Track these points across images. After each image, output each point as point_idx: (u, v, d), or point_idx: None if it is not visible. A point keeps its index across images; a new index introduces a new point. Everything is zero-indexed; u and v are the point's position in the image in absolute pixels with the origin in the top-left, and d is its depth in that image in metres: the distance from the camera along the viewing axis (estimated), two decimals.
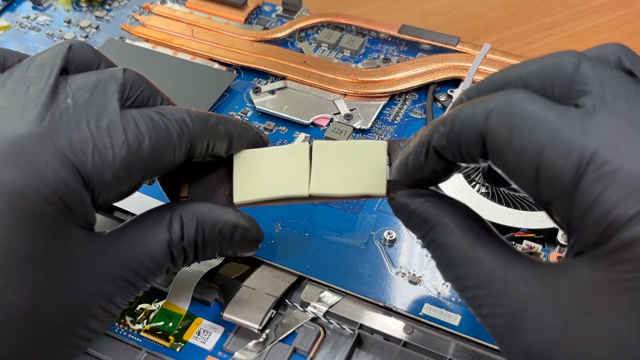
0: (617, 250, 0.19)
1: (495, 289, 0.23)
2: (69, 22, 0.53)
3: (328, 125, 0.44)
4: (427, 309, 0.33)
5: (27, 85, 0.26)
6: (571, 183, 0.20)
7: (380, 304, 0.34)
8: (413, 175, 0.26)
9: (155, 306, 0.34)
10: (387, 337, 0.33)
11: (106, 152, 0.25)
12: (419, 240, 0.27)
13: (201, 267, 0.35)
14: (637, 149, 0.20)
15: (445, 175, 0.26)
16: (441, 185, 0.39)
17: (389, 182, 0.29)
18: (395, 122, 0.44)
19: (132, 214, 0.38)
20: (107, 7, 0.55)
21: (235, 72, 0.48)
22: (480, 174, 0.40)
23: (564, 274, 0.21)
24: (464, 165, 0.25)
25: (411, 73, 0.46)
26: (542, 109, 0.21)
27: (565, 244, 0.36)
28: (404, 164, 0.26)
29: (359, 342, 0.33)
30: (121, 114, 0.26)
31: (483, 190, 0.38)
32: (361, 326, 0.33)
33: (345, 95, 0.46)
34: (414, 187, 0.27)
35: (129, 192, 0.27)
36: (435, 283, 0.35)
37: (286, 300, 0.34)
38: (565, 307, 0.20)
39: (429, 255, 0.28)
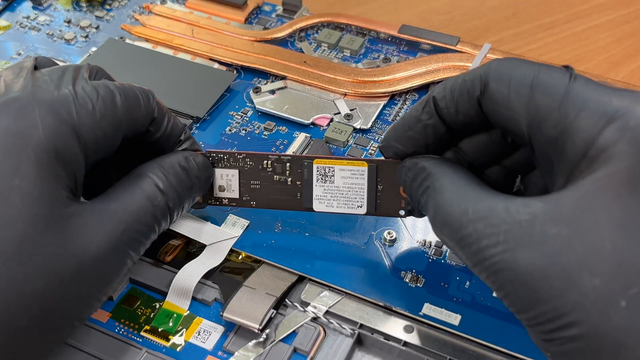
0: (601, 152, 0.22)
1: (496, 218, 0.23)
2: (69, 22, 0.53)
3: (328, 125, 0.44)
4: (427, 309, 0.33)
5: (4, 78, 0.29)
6: (562, 95, 0.24)
7: (381, 304, 0.34)
8: (406, 131, 0.29)
9: (155, 306, 0.34)
10: (387, 337, 0.33)
11: (86, 104, 0.28)
12: (419, 198, 0.29)
13: (201, 267, 0.35)
14: None
15: (435, 139, 0.29)
16: None
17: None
18: (396, 120, 0.44)
19: None
20: (107, 7, 0.54)
21: (235, 72, 0.48)
22: None
23: (565, 191, 0.22)
24: (455, 123, 0.28)
25: (411, 73, 0.46)
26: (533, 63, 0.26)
27: None
28: (400, 121, 0.30)
29: (359, 342, 0.33)
30: (91, 82, 0.29)
31: None
32: (361, 326, 0.33)
33: (345, 95, 0.46)
34: (402, 154, 0.30)
35: (112, 148, 0.29)
36: (435, 282, 0.35)
37: (286, 300, 0.34)
38: (568, 214, 0.21)
39: (425, 208, 0.29)
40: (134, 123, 0.30)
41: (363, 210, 0.33)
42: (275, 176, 0.34)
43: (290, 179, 0.33)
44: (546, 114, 0.24)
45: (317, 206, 0.33)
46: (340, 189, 0.32)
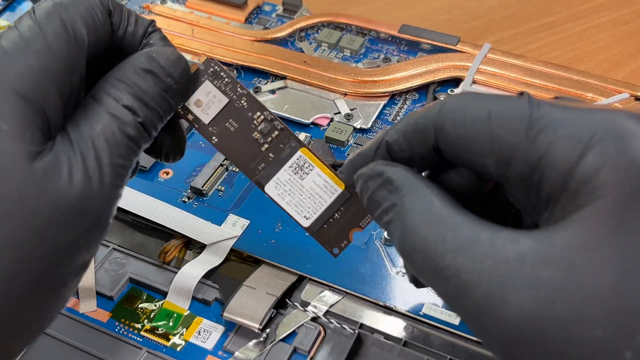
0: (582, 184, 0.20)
1: (480, 252, 0.20)
2: None
3: (328, 125, 0.44)
4: (428, 309, 0.33)
5: None
6: (526, 127, 0.21)
7: (381, 304, 0.34)
8: (357, 169, 0.26)
9: (155, 306, 0.34)
10: (388, 337, 0.33)
11: (41, 41, 0.24)
12: (382, 216, 0.24)
13: (201, 267, 0.35)
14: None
15: None
16: None
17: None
18: (396, 121, 0.44)
19: (133, 214, 0.38)
20: None
21: (235, 71, 0.48)
22: None
23: (554, 229, 0.20)
24: (413, 165, 0.25)
25: (411, 73, 0.46)
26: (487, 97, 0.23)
27: None
28: (356, 157, 0.26)
29: (359, 342, 0.33)
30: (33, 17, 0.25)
31: None
32: (361, 326, 0.33)
33: (345, 94, 0.46)
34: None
35: (82, 67, 0.25)
36: None
37: (286, 300, 0.34)
38: (560, 255, 0.19)
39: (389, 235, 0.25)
40: (93, 30, 0.26)
41: (305, 224, 0.31)
42: (255, 133, 0.30)
43: (266, 146, 0.30)
44: (513, 151, 0.21)
45: (270, 189, 0.30)
46: (303, 190, 0.31)
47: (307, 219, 0.30)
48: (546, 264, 0.19)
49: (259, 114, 0.30)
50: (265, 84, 0.47)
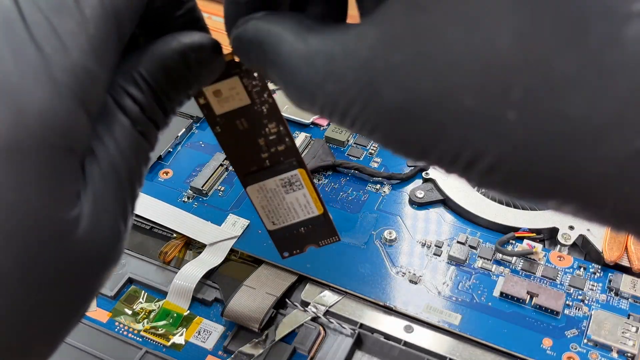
0: None
1: (340, 69, 0.19)
2: None
3: (328, 125, 0.44)
4: (427, 309, 0.33)
5: None
6: None
7: (381, 304, 0.34)
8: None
9: (155, 306, 0.34)
10: (387, 337, 0.33)
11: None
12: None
13: (201, 267, 0.35)
14: None
15: None
16: (441, 184, 0.39)
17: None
18: None
19: (142, 217, 0.38)
20: None
21: None
22: None
23: (387, 5, 0.18)
24: None
25: None
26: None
27: (566, 243, 0.36)
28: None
29: (359, 342, 0.33)
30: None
31: (483, 190, 0.39)
32: (361, 325, 0.33)
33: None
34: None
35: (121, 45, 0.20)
36: (435, 282, 0.35)
37: (286, 300, 0.34)
38: (402, 33, 0.17)
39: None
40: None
41: (270, 227, 0.31)
42: (262, 140, 0.29)
43: (267, 154, 0.29)
44: None
45: (252, 190, 0.30)
46: (283, 202, 0.30)
47: (274, 224, 0.30)
48: (393, 49, 0.17)
49: (274, 124, 0.29)
50: None
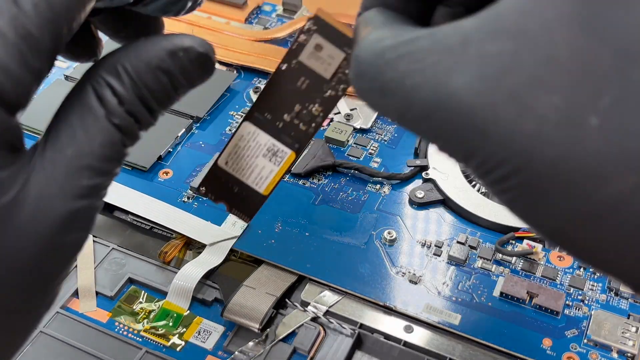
0: None
1: (420, 52, 0.18)
2: None
3: (328, 125, 0.44)
4: (427, 309, 0.33)
5: None
6: None
7: (381, 304, 0.34)
8: None
9: (155, 306, 0.34)
10: (387, 337, 0.33)
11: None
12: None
13: (201, 267, 0.35)
14: None
15: None
16: (441, 184, 0.39)
17: None
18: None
19: (133, 214, 0.38)
20: None
21: (235, 71, 0.48)
22: None
23: (500, 2, 0.17)
24: None
25: None
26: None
27: None
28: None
29: (359, 342, 0.33)
30: None
31: (483, 189, 0.38)
32: (361, 326, 0.33)
33: (345, 94, 0.46)
34: None
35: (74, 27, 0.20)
36: (435, 282, 0.35)
37: (286, 300, 0.34)
38: (510, 25, 0.17)
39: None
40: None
41: (220, 163, 0.30)
42: (299, 107, 0.29)
43: (288, 119, 0.30)
44: None
45: (245, 126, 0.29)
46: (251, 159, 0.28)
47: (226, 164, 0.30)
48: (494, 38, 0.17)
49: (319, 110, 0.29)
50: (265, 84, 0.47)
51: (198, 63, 0.22)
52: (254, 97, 0.45)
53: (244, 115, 0.30)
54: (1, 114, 0.18)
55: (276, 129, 0.30)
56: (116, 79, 0.21)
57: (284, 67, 0.29)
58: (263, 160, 0.30)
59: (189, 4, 0.24)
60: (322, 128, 0.44)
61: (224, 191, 0.30)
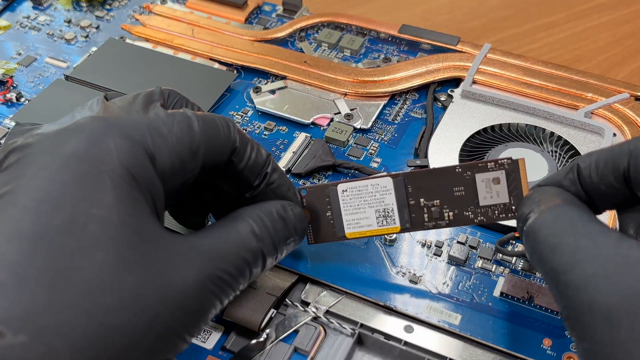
0: None
1: (604, 243, 0.23)
2: (69, 22, 0.53)
3: (328, 125, 0.44)
4: (428, 309, 0.33)
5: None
6: None
7: (381, 304, 0.34)
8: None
9: None
10: (388, 337, 0.33)
11: (160, 128, 0.26)
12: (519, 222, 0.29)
13: None
14: None
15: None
16: None
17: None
18: (396, 121, 0.44)
19: None
20: (108, 7, 0.55)
21: (235, 71, 0.48)
22: None
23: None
24: (597, 193, 0.28)
25: (411, 73, 0.46)
26: None
27: None
28: (543, 182, 0.30)
29: (359, 342, 0.33)
30: (165, 110, 0.28)
31: None
32: (362, 325, 0.33)
33: (345, 95, 0.46)
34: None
35: (191, 175, 0.27)
36: (435, 282, 0.35)
37: (286, 300, 0.34)
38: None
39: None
40: (214, 150, 0.28)
41: (342, 186, 0.33)
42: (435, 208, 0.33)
43: (425, 214, 0.33)
44: None
45: (340, 188, 0.33)
46: (366, 210, 0.33)
47: (343, 191, 0.33)
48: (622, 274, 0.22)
49: (452, 215, 0.32)
50: (265, 84, 0.47)
51: (299, 215, 0.31)
52: (254, 97, 0.45)
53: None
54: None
55: (406, 201, 0.32)
56: (252, 219, 0.28)
57: (458, 169, 0.32)
58: (372, 213, 0.33)
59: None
60: (322, 128, 0.44)
61: (318, 208, 0.33)
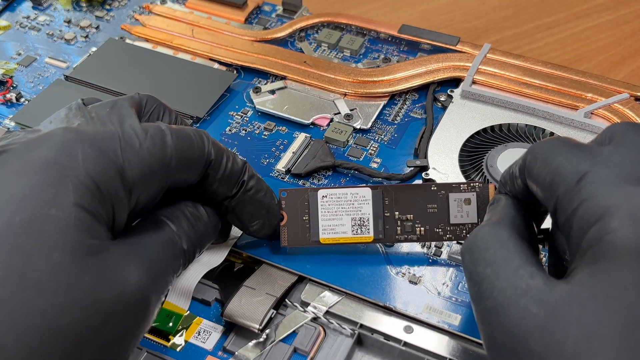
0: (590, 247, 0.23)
1: (503, 273, 0.24)
2: (69, 22, 0.53)
3: (328, 125, 0.44)
4: (427, 309, 0.33)
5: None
6: (574, 184, 0.24)
7: (381, 304, 0.34)
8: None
9: None
10: (387, 337, 0.33)
11: (132, 141, 0.27)
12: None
13: (201, 267, 0.35)
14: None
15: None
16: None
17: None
18: (396, 122, 0.44)
19: None
20: (107, 7, 0.55)
21: (235, 72, 0.48)
22: (479, 173, 0.40)
23: (565, 281, 0.23)
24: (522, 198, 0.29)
25: (411, 73, 0.46)
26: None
27: None
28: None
29: (359, 342, 0.33)
30: (140, 122, 0.28)
31: None
32: (361, 326, 0.33)
33: (345, 95, 0.46)
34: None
35: (162, 188, 0.28)
36: (435, 283, 0.35)
37: (286, 300, 0.34)
38: (551, 302, 0.22)
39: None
40: (187, 163, 0.29)
41: (322, 192, 0.35)
42: (411, 216, 0.34)
43: (404, 224, 0.35)
44: (559, 199, 0.25)
45: (320, 193, 0.35)
46: (341, 217, 0.34)
47: (322, 197, 0.34)
48: (540, 303, 0.23)
49: (424, 230, 0.35)
50: (265, 84, 0.47)
51: (210, 213, 0.32)
52: (254, 97, 0.45)
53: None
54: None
55: (381, 213, 0.34)
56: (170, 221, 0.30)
57: (434, 187, 0.34)
58: (348, 221, 0.34)
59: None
60: (322, 128, 0.44)
61: (295, 211, 0.34)
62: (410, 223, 0.34)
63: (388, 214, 0.34)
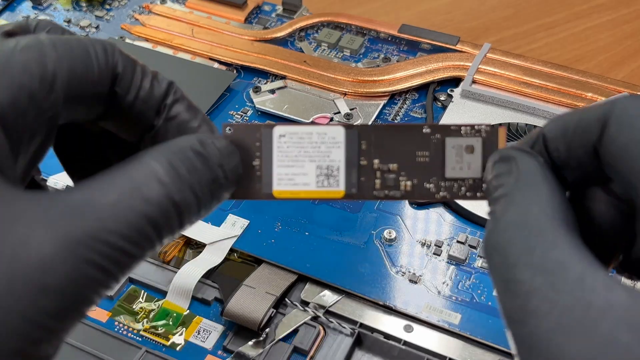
0: None
1: (563, 283, 0.18)
2: (69, 21, 0.53)
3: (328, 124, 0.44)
4: (427, 308, 0.33)
5: None
6: None
7: (380, 303, 0.34)
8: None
9: (155, 305, 0.34)
10: (387, 336, 0.33)
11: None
12: (491, 202, 0.22)
13: (201, 267, 0.35)
14: None
15: None
16: None
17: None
18: (396, 121, 0.44)
19: None
20: (107, 6, 0.54)
21: (235, 71, 0.48)
22: None
23: None
24: (567, 168, 0.22)
25: (411, 72, 0.46)
26: None
27: None
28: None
29: (359, 341, 0.33)
30: (15, 38, 0.21)
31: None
32: (361, 325, 0.33)
33: (345, 94, 0.46)
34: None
35: (52, 114, 0.20)
36: (435, 282, 0.35)
37: (286, 299, 0.34)
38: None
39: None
40: (80, 79, 0.21)
41: (280, 129, 0.26)
42: (395, 166, 0.26)
43: (375, 168, 0.26)
44: None
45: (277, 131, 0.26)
46: (301, 161, 0.25)
47: (279, 136, 0.25)
48: (631, 329, 0.16)
49: (410, 184, 0.26)
50: (265, 83, 0.47)
51: (225, 149, 0.23)
52: (254, 97, 0.45)
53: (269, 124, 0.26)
54: None
55: (356, 161, 0.26)
56: (155, 160, 0.20)
57: (426, 129, 0.25)
58: (312, 169, 0.26)
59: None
60: None
61: (244, 154, 0.25)
62: (393, 175, 0.26)
63: (365, 162, 0.26)
